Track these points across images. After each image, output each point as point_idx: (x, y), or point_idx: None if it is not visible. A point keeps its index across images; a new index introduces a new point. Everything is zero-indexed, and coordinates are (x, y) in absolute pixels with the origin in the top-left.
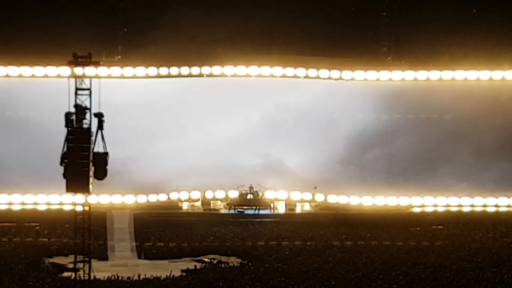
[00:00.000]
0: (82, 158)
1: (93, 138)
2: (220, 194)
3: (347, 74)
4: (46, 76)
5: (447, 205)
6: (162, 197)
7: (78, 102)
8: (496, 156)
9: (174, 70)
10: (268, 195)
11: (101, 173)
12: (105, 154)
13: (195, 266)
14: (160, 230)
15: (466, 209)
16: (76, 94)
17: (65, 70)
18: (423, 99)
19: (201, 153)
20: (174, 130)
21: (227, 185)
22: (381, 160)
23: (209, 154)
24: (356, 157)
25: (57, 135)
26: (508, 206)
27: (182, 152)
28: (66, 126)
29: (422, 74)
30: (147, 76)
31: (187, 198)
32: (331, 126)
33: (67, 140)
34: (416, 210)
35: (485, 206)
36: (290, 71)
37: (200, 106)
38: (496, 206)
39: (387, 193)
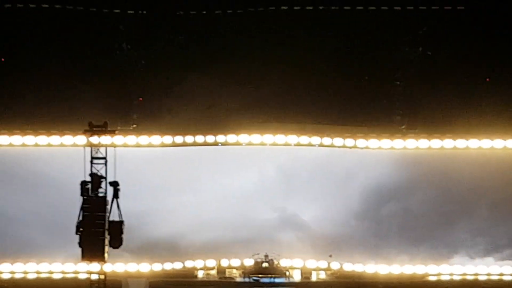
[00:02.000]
0: (97, 227)
1: (108, 206)
2: (236, 262)
3: (361, 142)
4: (62, 145)
5: (464, 274)
6: (177, 265)
7: (94, 170)
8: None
9: (189, 139)
10: (284, 263)
11: (116, 242)
12: (121, 222)
13: None
14: None
15: (482, 277)
16: (91, 163)
17: (81, 139)
18: (439, 165)
19: (215, 206)
20: (188, 183)
21: (241, 240)
22: (397, 215)
23: (223, 207)
24: (371, 212)
25: (74, 192)
26: None
27: (196, 205)
28: (82, 195)
29: (436, 143)
30: (163, 145)
31: (202, 266)
32: (346, 180)
33: (82, 208)
34: (432, 278)
35: (501, 274)
36: (304, 139)
37: (214, 158)
38: None
39: (401, 249)
